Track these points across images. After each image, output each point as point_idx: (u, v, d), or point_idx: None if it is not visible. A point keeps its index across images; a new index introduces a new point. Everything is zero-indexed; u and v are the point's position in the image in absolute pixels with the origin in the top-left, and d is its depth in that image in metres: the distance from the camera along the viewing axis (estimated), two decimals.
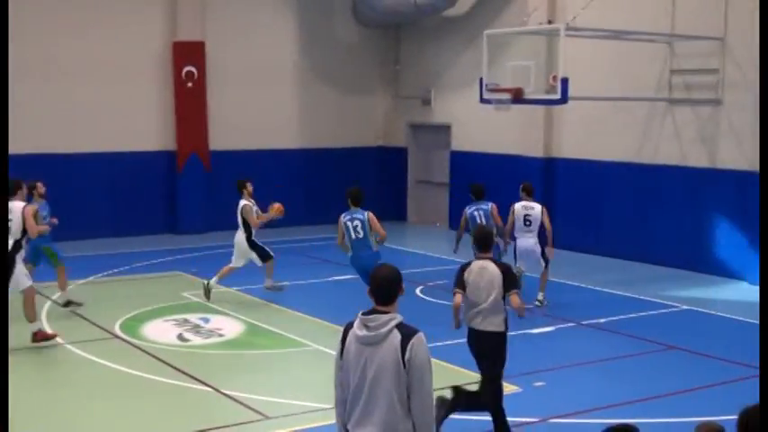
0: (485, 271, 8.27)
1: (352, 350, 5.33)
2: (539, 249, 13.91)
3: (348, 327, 5.43)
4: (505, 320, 8.38)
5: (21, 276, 11.37)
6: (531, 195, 14.15)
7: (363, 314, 5.33)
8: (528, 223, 13.84)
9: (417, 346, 5.19)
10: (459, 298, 8.39)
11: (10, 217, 11.33)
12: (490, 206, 14.11)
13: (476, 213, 13.85)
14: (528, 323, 13.07)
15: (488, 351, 8.40)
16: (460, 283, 8.39)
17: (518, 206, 14.03)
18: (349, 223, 12.69)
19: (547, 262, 13.94)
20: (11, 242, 11.24)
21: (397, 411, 5.21)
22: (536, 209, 13.83)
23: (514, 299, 8.28)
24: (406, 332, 5.23)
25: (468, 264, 8.41)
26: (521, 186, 14.24)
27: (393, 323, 5.25)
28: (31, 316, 11.53)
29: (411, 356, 5.17)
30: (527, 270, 13.91)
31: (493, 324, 8.31)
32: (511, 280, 8.31)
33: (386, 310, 5.31)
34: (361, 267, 12.44)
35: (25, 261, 11.81)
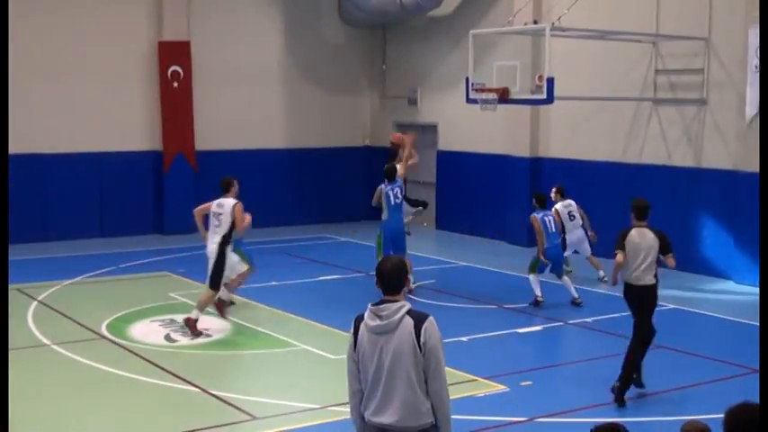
0: (644, 237, 9.87)
1: (365, 341, 5.51)
2: (585, 237, 15.84)
3: (359, 319, 5.62)
4: (656, 275, 9.98)
5: (235, 265, 12.67)
6: (563, 195, 15.85)
7: (373, 305, 5.53)
8: (572, 218, 15.64)
9: (430, 330, 5.42)
10: (620, 257, 9.88)
11: (220, 212, 12.40)
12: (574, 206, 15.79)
13: (546, 219, 14.29)
14: (515, 323, 13.13)
15: (644, 300, 10.05)
16: (620, 246, 9.90)
17: (559, 207, 15.57)
18: (390, 192, 14.55)
19: (592, 245, 15.91)
20: (219, 237, 12.23)
21: (417, 393, 5.42)
22: (573, 204, 15.75)
23: (670, 260, 10.01)
24: (418, 317, 5.47)
25: (628, 229, 9.98)
26: (553, 191, 15.89)
27: (404, 310, 5.47)
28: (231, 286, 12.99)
29: (426, 339, 5.39)
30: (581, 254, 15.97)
31: (648, 279, 9.93)
32: (666, 243, 9.95)
33: (395, 299, 5.53)
34: (394, 229, 14.56)
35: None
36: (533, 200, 14.68)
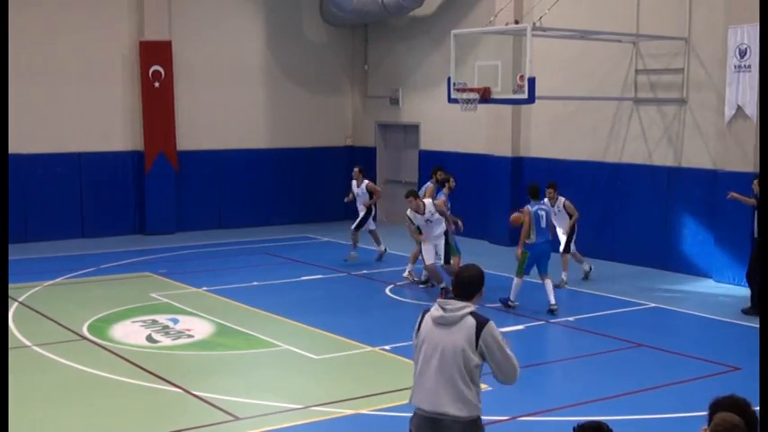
0: None
1: (426, 330, 5.97)
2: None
3: (425, 311, 6.07)
4: None
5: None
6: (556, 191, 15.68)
7: (441, 298, 6.02)
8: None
9: (490, 333, 5.88)
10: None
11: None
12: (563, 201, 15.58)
13: (539, 212, 13.92)
14: (498, 322, 13.15)
15: None
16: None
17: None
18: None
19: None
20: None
21: (464, 382, 5.86)
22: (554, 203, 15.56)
23: None
24: (481, 319, 5.91)
25: None
26: (548, 186, 15.58)
27: (467, 310, 5.90)
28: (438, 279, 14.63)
29: (482, 340, 5.85)
30: None
31: None
32: None
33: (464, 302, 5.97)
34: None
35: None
36: (528, 193, 14.39)
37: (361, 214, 17.87)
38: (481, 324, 5.86)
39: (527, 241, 13.76)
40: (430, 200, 15.01)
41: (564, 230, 15.72)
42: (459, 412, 5.84)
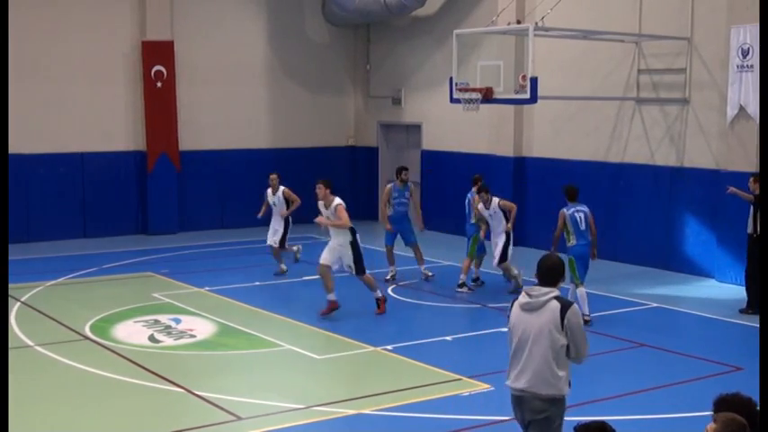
0: None
1: (515, 316, 6.52)
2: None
3: (514, 300, 6.61)
4: None
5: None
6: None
7: (526, 289, 6.54)
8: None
9: (574, 314, 6.38)
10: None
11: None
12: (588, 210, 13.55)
13: (576, 215, 13.12)
14: (500, 322, 13.15)
15: None
16: None
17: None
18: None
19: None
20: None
21: (551, 365, 6.36)
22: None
23: None
24: (565, 303, 6.42)
25: None
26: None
27: (552, 294, 6.41)
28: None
29: (567, 322, 6.33)
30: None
31: None
32: None
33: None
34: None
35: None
36: (564, 194, 13.49)
37: (280, 228, 16.37)
38: (566, 306, 6.37)
39: (567, 245, 13.06)
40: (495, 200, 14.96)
41: (503, 229, 14.79)
42: (545, 391, 6.38)
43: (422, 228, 16.20)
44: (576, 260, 12.93)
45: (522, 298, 6.50)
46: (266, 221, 16.68)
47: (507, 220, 14.87)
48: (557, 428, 6.53)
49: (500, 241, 14.84)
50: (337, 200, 13.57)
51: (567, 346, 6.36)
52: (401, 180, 16.14)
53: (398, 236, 16.06)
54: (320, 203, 13.66)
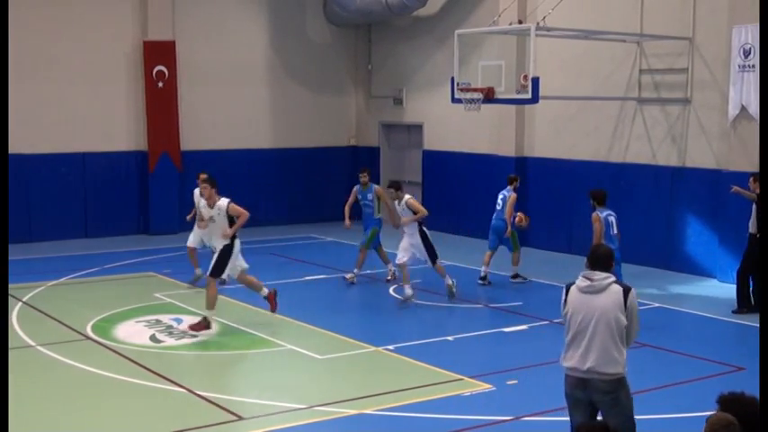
0: None
1: (574, 299, 6.81)
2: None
3: (569, 285, 6.90)
4: None
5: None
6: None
7: (584, 273, 6.82)
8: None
9: (634, 297, 6.80)
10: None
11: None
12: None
13: (609, 219, 12.89)
14: (501, 322, 13.17)
15: None
16: None
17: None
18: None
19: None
20: None
21: (615, 344, 6.67)
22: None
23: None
24: (625, 286, 6.81)
25: None
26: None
27: (611, 279, 6.78)
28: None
29: (629, 303, 6.74)
30: None
31: None
32: None
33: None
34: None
35: None
36: (591, 199, 13.19)
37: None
38: (627, 290, 6.75)
39: None
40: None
41: (416, 229, 14.34)
42: (611, 369, 6.65)
43: (397, 225, 15.27)
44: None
45: (582, 282, 6.77)
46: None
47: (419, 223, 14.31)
48: (630, 408, 6.87)
49: (415, 242, 14.27)
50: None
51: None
52: (362, 182, 16.02)
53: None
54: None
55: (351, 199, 16.22)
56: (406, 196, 14.60)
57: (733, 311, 13.55)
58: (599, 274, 6.77)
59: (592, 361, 6.67)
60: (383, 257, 16.09)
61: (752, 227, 13.57)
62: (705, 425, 4.50)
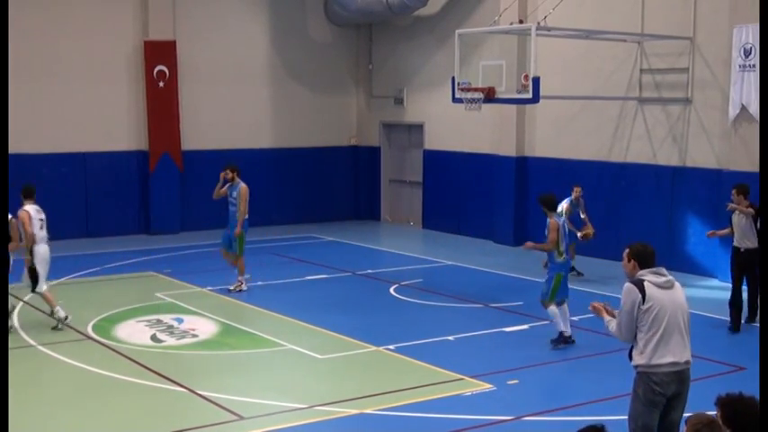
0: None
1: (659, 295, 6.75)
2: None
3: (639, 282, 6.76)
4: None
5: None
6: None
7: (651, 271, 6.79)
8: None
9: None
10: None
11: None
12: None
13: (566, 225, 12.34)
14: (502, 322, 13.17)
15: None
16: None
17: None
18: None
19: None
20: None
21: (689, 333, 6.89)
22: None
23: None
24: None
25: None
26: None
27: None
28: None
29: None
30: None
31: None
32: None
33: None
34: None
35: None
36: (542, 205, 12.05)
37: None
38: (681, 284, 6.96)
39: (559, 260, 11.84)
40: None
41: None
42: (690, 357, 6.85)
43: (238, 232, 14.83)
44: (564, 277, 11.90)
45: (658, 278, 6.78)
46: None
47: None
48: None
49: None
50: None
51: None
52: (228, 178, 15.33)
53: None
54: None
55: (220, 188, 15.36)
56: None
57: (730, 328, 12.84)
58: (663, 270, 6.86)
59: (689, 352, 6.82)
60: (234, 263, 15.10)
61: (750, 241, 12.72)
62: (686, 426, 4.52)
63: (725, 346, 12.03)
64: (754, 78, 15.00)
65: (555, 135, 19.15)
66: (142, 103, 21.08)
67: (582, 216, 16.04)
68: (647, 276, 6.81)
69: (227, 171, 15.34)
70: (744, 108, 15.23)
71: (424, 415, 9.18)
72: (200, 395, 9.84)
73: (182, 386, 10.15)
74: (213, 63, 21.92)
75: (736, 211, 12.83)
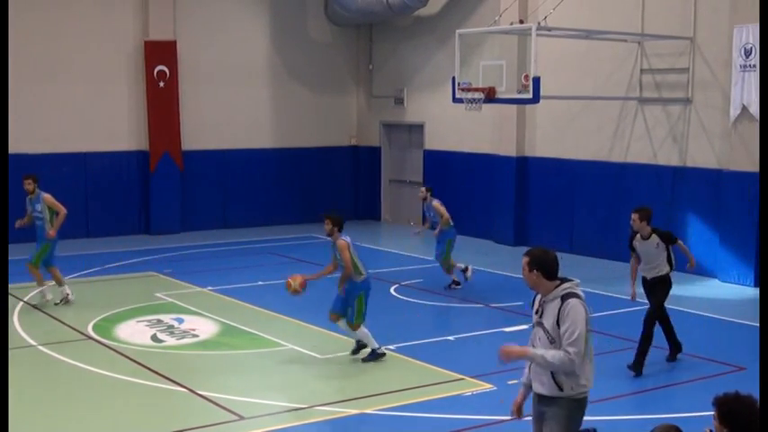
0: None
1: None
2: None
3: (582, 299, 6.24)
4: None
5: None
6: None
7: (575, 284, 6.26)
8: None
9: None
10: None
11: None
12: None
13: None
14: (502, 321, 13.17)
15: None
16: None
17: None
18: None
19: None
20: None
21: None
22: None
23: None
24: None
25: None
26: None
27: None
28: None
29: None
30: None
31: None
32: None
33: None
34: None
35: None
36: (332, 224, 11.12)
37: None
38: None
39: (358, 279, 10.97)
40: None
41: None
42: None
43: (52, 235, 14.28)
44: (366, 296, 11.08)
45: (581, 293, 6.27)
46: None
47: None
48: None
49: None
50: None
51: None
52: (27, 190, 14.43)
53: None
54: None
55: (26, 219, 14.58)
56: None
57: (628, 366, 10.80)
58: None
59: None
60: (39, 277, 14.30)
61: (651, 270, 11.30)
62: None
63: (725, 346, 12.02)
64: (754, 78, 15.01)
65: (555, 135, 19.15)
66: (142, 102, 21.09)
67: (428, 216, 15.57)
68: (577, 290, 6.18)
69: (28, 182, 14.25)
70: (744, 108, 15.23)
71: (424, 415, 9.18)
72: (200, 395, 9.84)
73: (182, 386, 10.15)
74: (214, 63, 21.93)
75: (638, 237, 11.05)
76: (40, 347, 11.69)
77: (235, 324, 12.92)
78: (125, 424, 9.17)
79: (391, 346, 11.63)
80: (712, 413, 4.59)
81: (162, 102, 21.04)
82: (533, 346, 6.36)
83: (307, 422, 9.08)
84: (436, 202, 15.28)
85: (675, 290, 15.36)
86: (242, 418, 9.21)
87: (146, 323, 12.96)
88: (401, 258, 18.08)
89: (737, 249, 15.50)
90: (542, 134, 19.49)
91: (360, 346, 11.26)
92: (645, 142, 17.47)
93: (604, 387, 10.13)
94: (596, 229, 18.29)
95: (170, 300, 14.39)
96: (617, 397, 9.83)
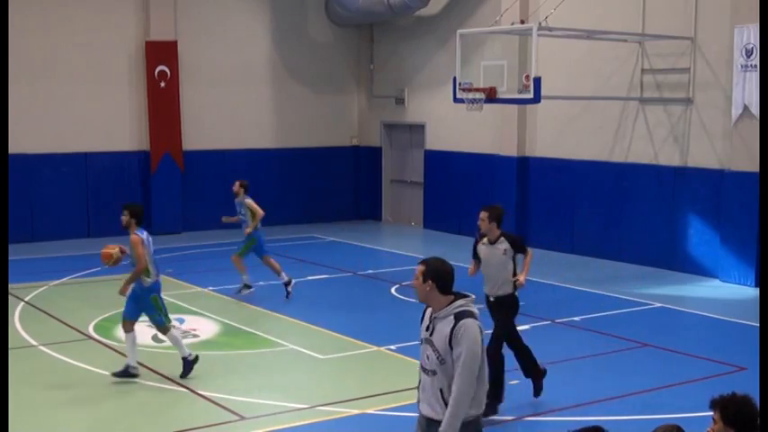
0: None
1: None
2: None
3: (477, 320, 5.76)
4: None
5: None
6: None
7: (469, 301, 5.87)
8: None
9: None
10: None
11: None
12: None
13: (150, 239, 11.16)
14: None
15: None
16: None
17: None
18: None
19: None
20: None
21: None
22: None
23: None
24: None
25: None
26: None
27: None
28: None
29: None
30: None
31: None
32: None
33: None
34: None
35: None
36: (130, 216, 10.76)
37: None
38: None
39: (147, 282, 10.65)
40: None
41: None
42: None
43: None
44: (159, 295, 10.69)
45: (475, 311, 5.85)
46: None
47: None
48: None
49: None
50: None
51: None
52: None
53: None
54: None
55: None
56: None
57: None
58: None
59: None
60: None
61: (494, 287, 9.60)
62: None
63: (725, 346, 12.02)
64: (755, 78, 15.00)
65: (556, 135, 19.15)
66: (143, 103, 21.10)
67: (242, 213, 14.89)
68: (472, 308, 5.77)
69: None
70: (746, 108, 15.22)
71: None
72: (201, 395, 9.84)
73: (183, 386, 10.15)
74: (214, 63, 21.93)
75: (485, 241, 9.45)
76: (41, 347, 11.69)
77: (236, 324, 12.92)
78: (125, 424, 9.17)
79: (392, 346, 11.62)
80: (711, 414, 4.59)
81: (163, 102, 21.04)
82: (422, 364, 5.86)
83: (308, 422, 9.08)
84: (249, 200, 14.62)
85: (676, 290, 15.45)
86: (243, 418, 9.21)
87: (146, 323, 12.89)
88: (402, 258, 18.07)
89: (738, 249, 15.50)
90: (543, 134, 19.48)
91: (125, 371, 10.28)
92: (646, 142, 17.46)
93: (606, 387, 10.15)
94: (597, 230, 18.29)
95: (171, 300, 14.35)
96: (618, 397, 9.82)
